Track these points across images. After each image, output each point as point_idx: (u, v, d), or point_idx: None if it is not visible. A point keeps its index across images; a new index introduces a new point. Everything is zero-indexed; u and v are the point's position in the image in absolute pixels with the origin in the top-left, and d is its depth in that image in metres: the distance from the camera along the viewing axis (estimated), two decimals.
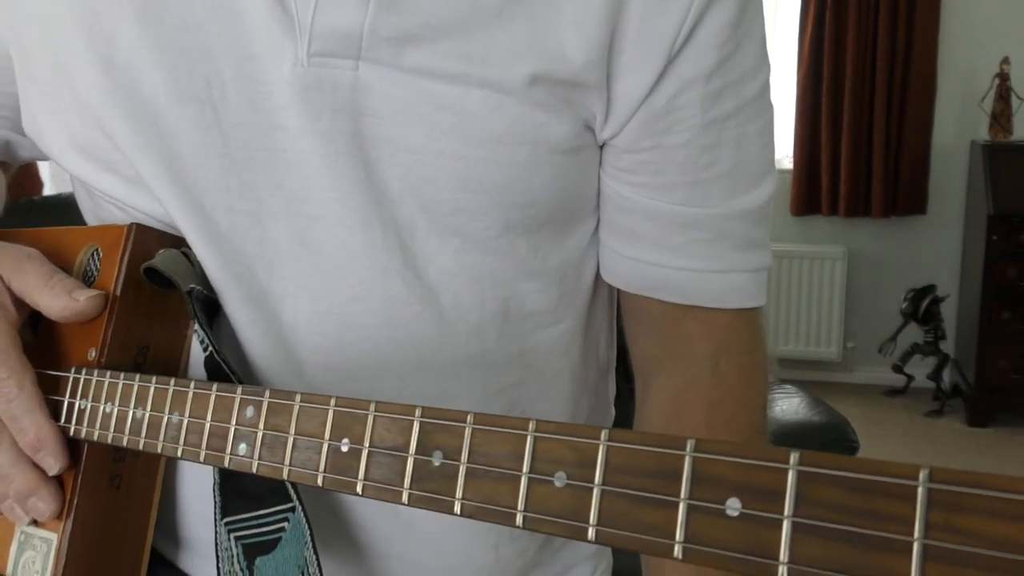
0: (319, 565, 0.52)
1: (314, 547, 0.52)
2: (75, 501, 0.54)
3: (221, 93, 0.55)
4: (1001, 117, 3.27)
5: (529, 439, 0.32)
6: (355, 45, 0.53)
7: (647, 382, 0.66)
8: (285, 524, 0.53)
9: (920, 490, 0.22)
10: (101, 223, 0.63)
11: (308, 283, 0.56)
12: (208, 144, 0.55)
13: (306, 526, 0.52)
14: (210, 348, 0.54)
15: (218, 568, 0.54)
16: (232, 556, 0.53)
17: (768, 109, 0.62)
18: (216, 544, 0.54)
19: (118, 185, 0.58)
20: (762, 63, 0.60)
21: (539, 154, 0.56)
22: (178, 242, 0.57)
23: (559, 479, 0.31)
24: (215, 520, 0.54)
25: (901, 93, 3.40)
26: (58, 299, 0.54)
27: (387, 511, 0.60)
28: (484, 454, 0.34)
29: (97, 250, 0.58)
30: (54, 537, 0.54)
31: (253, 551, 0.53)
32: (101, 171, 0.58)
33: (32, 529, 0.55)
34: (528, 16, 0.54)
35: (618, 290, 0.67)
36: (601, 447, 0.30)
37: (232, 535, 0.54)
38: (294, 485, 0.53)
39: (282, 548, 0.53)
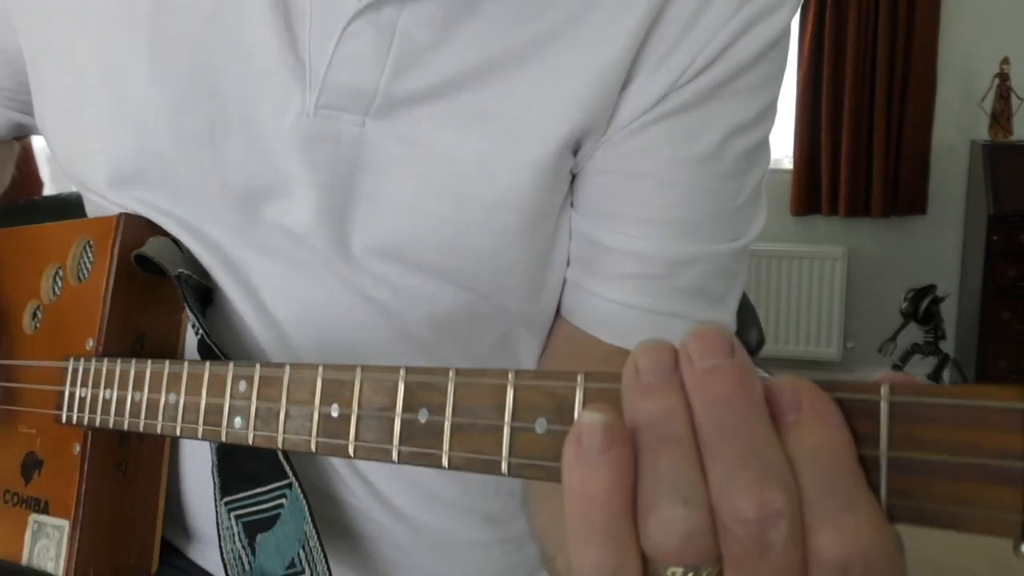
0: (320, 539, 0.52)
1: (314, 522, 0.52)
2: (84, 487, 0.55)
3: (224, 131, 0.54)
4: (1001, 117, 3.27)
5: (510, 389, 0.33)
6: (366, 102, 0.52)
7: None
8: (283, 500, 0.53)
9: (883, 404, 0.22)
10: None
11: (309, 311, 0.58)
12: (207, 182, 0.56)
13: (304, 502, 0.53)
14: (201, 332, 0.55)
15: (220, 547, 0.54)
16: (234, 535, 0.54)
17: (757, 167, 0.57)
18: (217, 524, 0.55)
19: (120, 196, 0.59)
20: (762, 120, 0.56)
21: (532, 222, 0.54)
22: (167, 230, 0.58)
23: (540, 425, 0.32)
24: (215, 500, 0.55)
25: (901, 93, 3.40)
26: None
27: (395, 522, 0.61)
28: (468, 408, 0.35)
29: (89, 242, 0.59)
30: (65, 524, 0.55)
31: (254, 528, 0.54)
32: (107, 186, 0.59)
33: (44, 518, 0.57)
34: (547, 70, 0.52)
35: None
36: (578, 390, 0.31)
37: (232, 514, 0.54)
38: (289, 462, 0.53)
39: (282, 524, 0.53)
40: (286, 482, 0.53)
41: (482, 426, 0.34)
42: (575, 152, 0.55)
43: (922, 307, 3.40)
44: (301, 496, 0.53)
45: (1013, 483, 0.20)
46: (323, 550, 0.53)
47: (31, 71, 0.61)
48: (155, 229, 0.58)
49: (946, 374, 3.50)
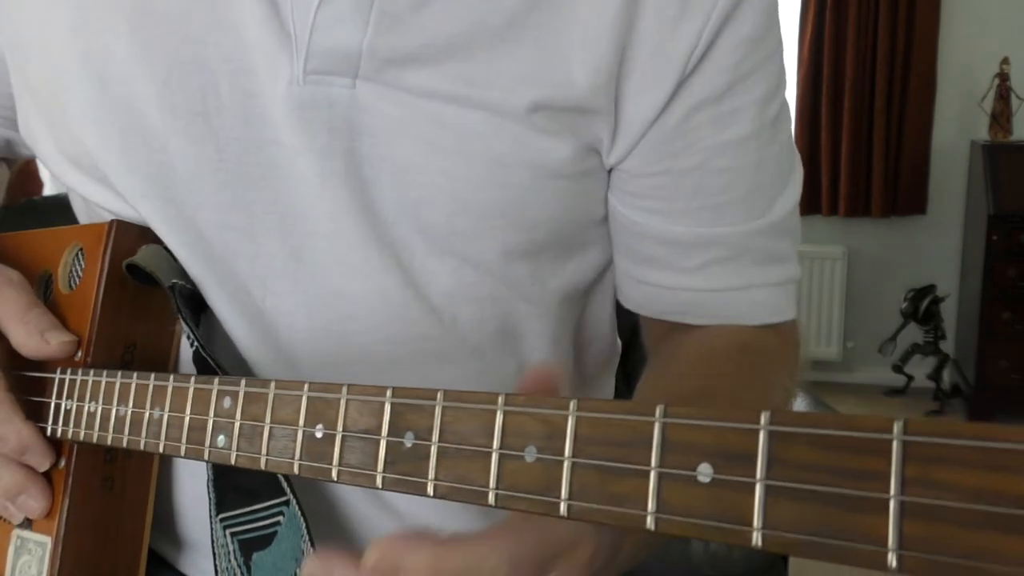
0: None
1: (311, 539, 0.51)
2: (67, 503, 0.53)
3: (216, 105, 0.54)
4: (1001, 117, 3.26)
5: (499, 414, 0.32)
6: (353, 64, 0.52)
7: None
8: (280, 518, 0.52)
9: (895, 444, 0.21)
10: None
11: (304, 300, 0.56)
12: (202, 158, 0.54)
13: (301, 519, 0.52)
14: (196, 344, 0.54)
15: (215, 565, 0.53)
16: (229, 552, 0.53)
17: (786, 126, 0.60)
18: (212, 541, 0.53)
19: (111, 198, 0.58)
20: (780, 83, 0.58)
21: (539, 178, 0.55)
22: (160, 238, 0.57)
23: (529, 453, 0.31)
24: (210, 517, 0.53)
25: (901, 93, 3.39)
26: (31, 337, 0.53)
27: (395, 523, 0.60)
28: (455, 432, 0.33)
29: (81, 249, 0.58)
30: (48, 540, 0.54)
31: (250, 546, 0.53)
32: (91, 182, 0.58)
33: (27, 533, 0.55)
34: (535, 39, 0.53)
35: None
36: (570, 418, 0.30)
37: (228, 531, 0.53)
38: (287, 478, 0.52)
39: (279, 542, 0.52)
40: (284, 499, 0.52)
41: (469, 452, 0.33)
42: (595, 139, 0.56)
43: (922, 307, 3.40)
44: (299, 514, 0.52)
45: None
46: None
47: (12, 72, 0.61)
48: (147, 237, 0.56)
49: (946, 374, 3.49)
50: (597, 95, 0.53)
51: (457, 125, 0.53)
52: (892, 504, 0.21)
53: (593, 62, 0.53)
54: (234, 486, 0.53)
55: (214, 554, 0.53)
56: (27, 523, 0.55)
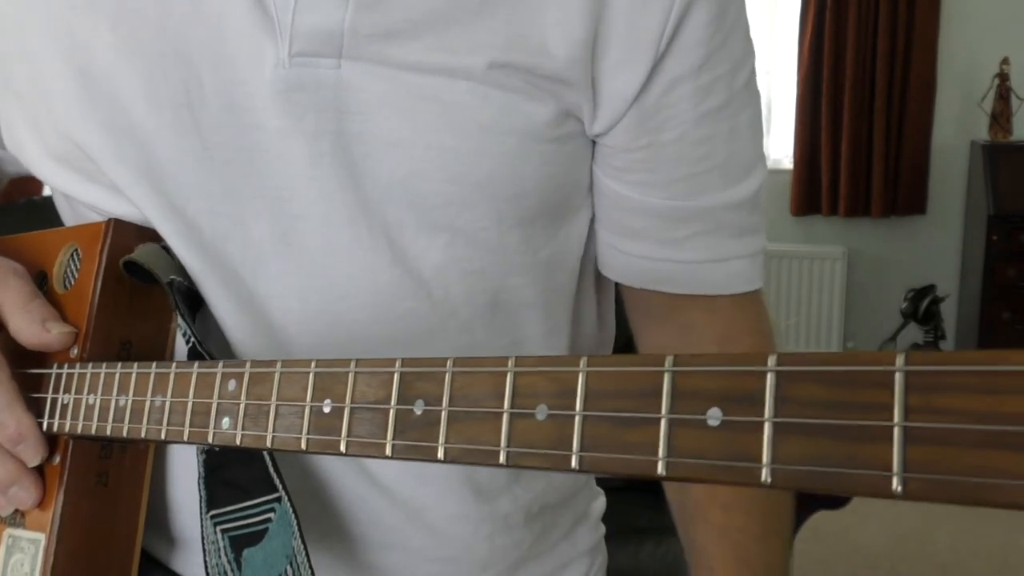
0: (307, 554, 0.51)
1: (302, 537, 0.51)
2: (61, 499, 0.53)
3: (199, 96, 0.54)
4: (1001, 117, 3.27)
5: (509, 376, 0.32)
6: (336, 43, 0.53)
7: None
8: (271, 515, 0.52)
9: (898, 376, 0.22)
10: None
11: (295, 283, 0.56)
12: (187, 148, 0.55)
13: (293, 516, 0.52)
14: (192, 340, 0.54)
15: (205, 562, 0.53)
16: (219, 549, 0.53)
17: (756, 98, 0.62)
18: (203, 538, 0.53)
19: (100, 194, 0.58)
20: (748, 53, 0.60)
21: (526, 143, 0.55)
22: (157, 236, 0.57)
23: (541, 412, 0.31)
24: (200, 514, 0.53)
25: (901, 93, 3.40)
26: (31, 325, 0.54)
27: (386, 502, 0.60)
28: (465, 396, 0.33)
29: (77, 249, 0.58)
30: (42, 537, 0.53)
31: (240, 543, 0.53)
32: (83, 181, 0.58)
33: (19, 532, 0.55)
34: (509, 11, 0.54)
35: (617, 283, 0.67)
36: (580, 375, 0.30)
37: (218, 528, 0.53)
38: (279, 475, 0.52)
39: (270, 539, 0.52)
40: (275, 496, 0.52)
41: (480, 414, 0.33)
42: (574, 106, 0.57)
43: (922, 307, 3.40)
44: (290, 510, 0.52)
45: None
46: (310, 566, 0.51)
47: None
48: (144, 236, 0.57)
49: None
50: (573, 68, 0.54)
51: (442, 97, 0.54)
52: (896, 432, 0.21)
53: (568, 36, 0.54)
54: (225, 483, 0.53)
55: (204, 551, 0.53)
56: (20, 522, 0.55)
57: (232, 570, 0.52)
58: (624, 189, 0.60)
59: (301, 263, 0.56)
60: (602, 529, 0.75)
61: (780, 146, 3.65)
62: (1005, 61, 3.26)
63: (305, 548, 0.51)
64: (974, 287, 3.30)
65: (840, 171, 3.46)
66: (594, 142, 0.60)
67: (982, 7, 3.36)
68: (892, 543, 2.44)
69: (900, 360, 0.22)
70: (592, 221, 0.64)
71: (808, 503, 1.39)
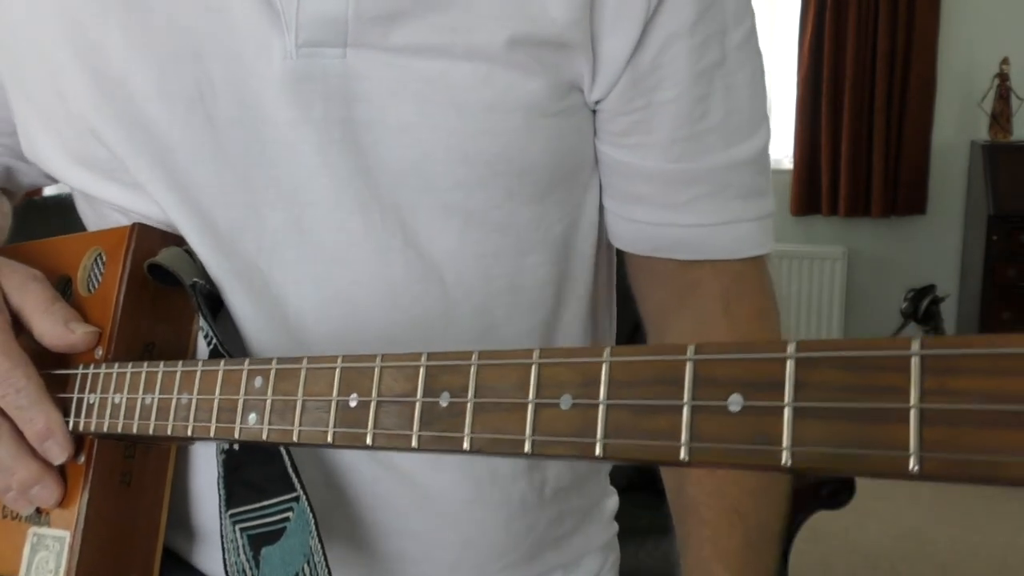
0: (324, 553, 0.52)
1: (319, 536, 0.52)
2: (87, 497, 0.54)
3: (211, 92, 0.55)
4: (1001, 117, 3.28)
5: (534, 368, 0.33)
6: (341, 31, 0.54)
7: (660, 328, 0.67)
8: (290, 514, 0.53)
9: (913, 359, 0.23)
10: None
11: (309, 270, 0.57)
12: (201, 143, 0.56)
13: (310, 515, 0.52)
14: (214, 341, 0.55)
15: (224, 559, 0.54)
16: (238, 547, 0.54)
17: (756, 57, 0.62)
18: (222, 536, 0.54)
19: (119, 192, 0.59)
20: (745, 11, 0.60)
21: (532, 119, 0.56)
22: (180, 241, 0.58)
23: (565, 401, 0.31)
24: (220, 513, 0.54)
25: (901, 93, 3.40)
26: (55, 327, 0.55)
27: (401, 488, 0.61)
28: (491, 388, 0.34)
29: (101, 254, 0.59)
30: (67, 535, 0.54)
31: (259, 541, 0.53)
32: (101, 180, 0.59)
33: (44, 530, 0.56)
34: None
35: (619, 250, 0.67)
36: (604, 365, 0.30)
37: (237, 526, 0.54)
38: (298, 474, 0.53)
39: (288, 538, 0.53)
40: (294, 495, 0.53)
41: (505, 405, 0.33)
42: (576, 75, 0.57)
43: (922, 307, 3.41)
44: (308, 510, 0.53)
45: None
46: (327, 565, 0.52)
47: (10, 89, 0.62)
48: (168, 240, 0.58)
49: None
50: (574, 30, 0.55)
51: (446, 79, 0.55)
52: (912, 413, 0.22)
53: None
54: (244, 482, 0.54)
55: (223, 548, 0.54)
56: (45, 520, 0.56)
57: (251, 568, 0.53)
58: (623, 155, 0.60)
59: (315, 251, 0.57)
60: (615, 527, 0.76)
61: (780, 146, 3.65)
62: (1005, 61, 3.27)
63: (322, 547, 0.52)
64: (974, 287, 3.31)
65: (840, 171, 3.47)
66: (594, 112, 0.60)
67: (982, 7, 3.36)
68: (892, 543, 2.44)
69: (915, 345, 0.23)
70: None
71: (808, 503, 1.39)
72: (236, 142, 0.56)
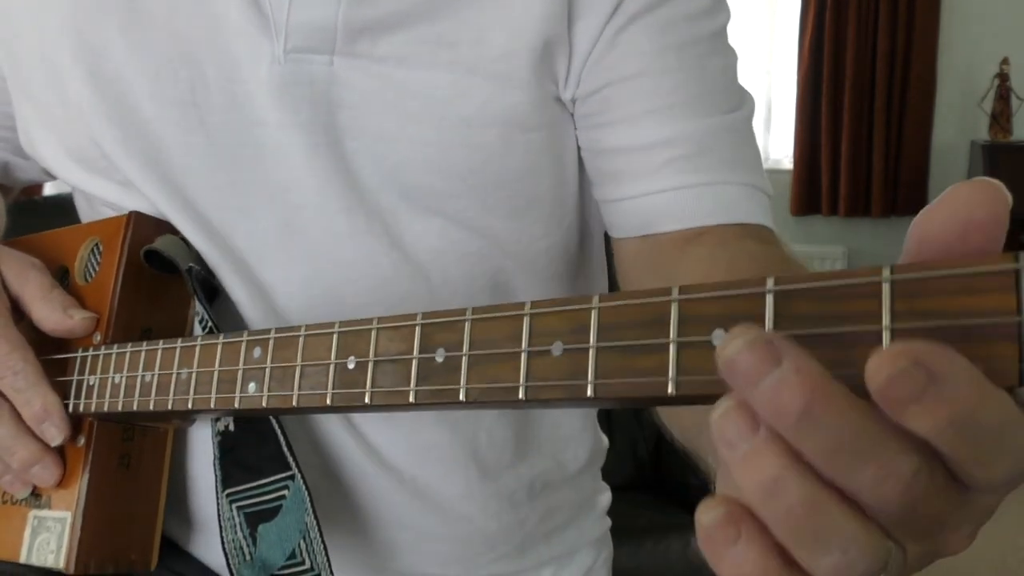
0: (320, 530, 0.53)
1: (315, 513, 0.53)
2: (87, 478, 0.55)
3: (204, 94, 0.57)
4: (1001, 117, 3.28)
5: (526, 319, 0.33)
6: (329, 39, 0.55)
7: None
8: (285, 492, 0.54)
9: (884, 286, 0.23)
10: None
11: (298, 270, 0.58)
12: (194, 145, 0.57)
13: (306, 493, 0.53)
14: (209, 325, 0.56)
15: (222, 538, 0.55)
16: (235, 525, 0.55)
17: (730, 54, 0.61)
18: (219, 515, 0.55)
19: (112, 189, 0.60)
20: (718, 9, 0.60)
21: (509, 134, 0.57)
22: (176, 229, 0.59)
23: (556, 348, 0.32)
24: (216, 493, 0.55)
25: (901, 93, 3.41)
26: (53, 312, 0.56)
27: (393, 482, 0.61)
28: (484, 341, 0.35)
29: (98, 244, 0.60)
30: (68, 515, 0.55)
31: (255, 519, 0.54)
32: (97, 177, 0.60)
33: (45, 512, 0.57)
34: None
35: (614, 256, 0.65)
36: (593, 311, 0.31)
37: (234, 505, 0.55)
38: (293, 454, 0.54)
39: (284, 515, 0.54)
40: (289, 473, 0.54)
41: (499, 356, 0.34)
42: (555, 80, 0.58)
43: None
44: (303, 488, 0.53)
45: (1010, 338, 0.22)
46: (323, 541, 0.53)
47: (11, 84, 0.63)
48: (164, 228, 0.59)
49: None
50: (555, 24, 0.56)
51: (426, 91, 0.56)
52: (885, 335, 0.23)
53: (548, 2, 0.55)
54: (239, 463, 0.55)
55: (220, 527, 0.55)
56: (45, 503, 0.57)
57: (247, 545, 0.54)
58: (594, 134, 0.60)
59: (304, 251, 0.58)
60: (608, 522, 0.76)
61: (780, 146, 3.66)
62: (1005, 61, 3.27)
63: (318, 524, 0.53)
64: None
65: (840, 171, 3.48)
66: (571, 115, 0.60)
67: (982, 7, 3.37)
68: None
69: (886, 272, 0.24)
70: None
71: None
72: (228, 144, 0.57)
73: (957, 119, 3.46)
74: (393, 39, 0.56)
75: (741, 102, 0.61)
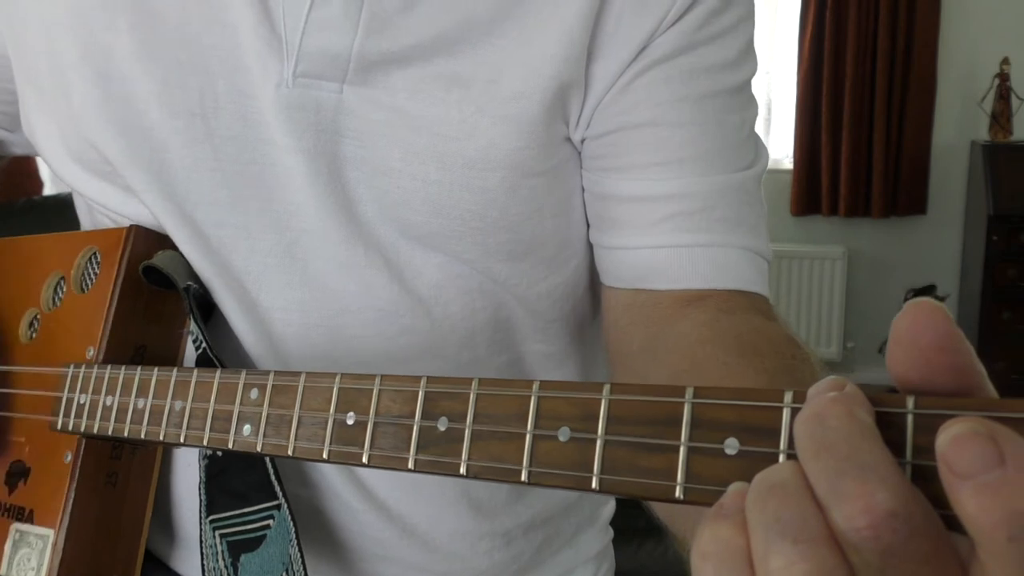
0: (303, 563, 0.52)
1: (299, 545, 0.52)
2: (72, 497, 0.54)
3: (214, 106, 0.55)
4: (1001, 117, 3.27)
5: (533, 399, 0.33)
6: (342, 68, 0.54)
7: (635, 373, 0.57)
8: (270, 522, 0.53)
9: (909, 417, 0.23)
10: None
11: (297, 295, 0.57)
12: (199, 157, 0.56)
13: (291, 524, 0.52)
14: (203, 345, 0.55)
15: (202, 565, 0.54)
16: (217, 553, 0.54)
17: (751, 108, 0.59)
18: (201, 541, 0.54)
19: (112, 194, 0.59)
20: (744, 60, 0.58)
21: (514, 178, 0.56)
22: (175, 245, 0.58)
23: (563, 434, 0.32)
24: (200, 518, 0.54)
25: (901, 93, 3.40)
26: None
27: (383, 521, 0.60)
28: (489, 416, 0.34)
29: (96, 252, 0.59)
30: (50, 533, 0.54)
31: (238, 548, 0.53)
32: (95, 179, 0.59)
33: (27, 527, 0.56)
34: (520, 30, 0.54)
35: (603, 303, 0.62)
36: (603, 401, 0.30)
37: (217, 532, 0.54)
38: (280, 483, 0.53)
39: (267, 546, 0.53)
40: (275, 503, 0.53)
41: (503, 434, 0.33)
42: (566, 121, 0.56)
43: None
44: (289, 519, 0.53)
45: None
46: (306, 574, 0.52)
47: (16, 68, 0.62)
48: (164, 243, 0.58)
49: None
50: (572, 68, 0.54)
51: (433, 128, 0.54)
52: (907, 470, 0.22)
53: (568, 43, 0.54)
54: (225, 489, 0.54)
55: (202, 554, 0.54)
56: (28, 517, 0.56)
57: (229, 574, 0.53)
58: (598, 176, 0.58)
59: (304, 277, 0.57)
60: (610, 533, 0.75)
61: (780, 146, 3.65)
62: (1005, 61, 3.26)
63: (302, 556, 0.52)
64: (974, 287, 3.30)
65: (840, 171, 3.46)
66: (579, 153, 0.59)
67: (982, 7, 3.36)
68: None
69: (911, 403, 0.23)
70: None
71: None
72: (234, 159, 0.55)
73: (957, 119, 3.45)
74: (406, 73, 0.54)
75: (755, 159, 0.59)
